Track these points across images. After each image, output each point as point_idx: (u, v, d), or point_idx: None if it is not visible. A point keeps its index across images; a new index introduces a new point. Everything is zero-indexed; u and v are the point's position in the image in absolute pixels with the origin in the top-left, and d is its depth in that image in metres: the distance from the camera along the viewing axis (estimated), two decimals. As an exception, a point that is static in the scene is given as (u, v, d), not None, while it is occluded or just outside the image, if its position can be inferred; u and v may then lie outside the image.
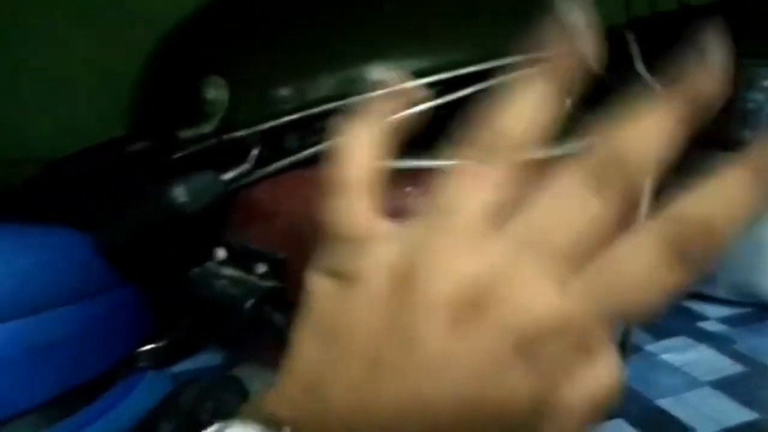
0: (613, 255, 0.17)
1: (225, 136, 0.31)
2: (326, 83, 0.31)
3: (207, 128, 0.31)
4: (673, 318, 0.49)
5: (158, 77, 0.36)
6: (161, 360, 0.38)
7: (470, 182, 0.18)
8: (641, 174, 0.17)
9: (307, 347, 0.19)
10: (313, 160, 0.31)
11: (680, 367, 0.43)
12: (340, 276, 0.19)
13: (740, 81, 0.47)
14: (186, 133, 0.32)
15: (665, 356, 0.44)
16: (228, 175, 0.31)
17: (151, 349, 0.38)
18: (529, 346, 0.16)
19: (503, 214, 0.18)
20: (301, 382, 0.19)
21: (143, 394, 0.37)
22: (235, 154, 0.31)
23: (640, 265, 0.16)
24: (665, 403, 0.39)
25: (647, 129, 0.17)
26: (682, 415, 0.38)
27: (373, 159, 0.20)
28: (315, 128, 0.31)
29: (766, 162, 0.16)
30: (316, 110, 0.30)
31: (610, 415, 0.37)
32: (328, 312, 0.19)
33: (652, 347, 0.45)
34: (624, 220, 0.17)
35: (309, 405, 0.18)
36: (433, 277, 0.17)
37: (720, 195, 0.16)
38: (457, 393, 0.17)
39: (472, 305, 0.17)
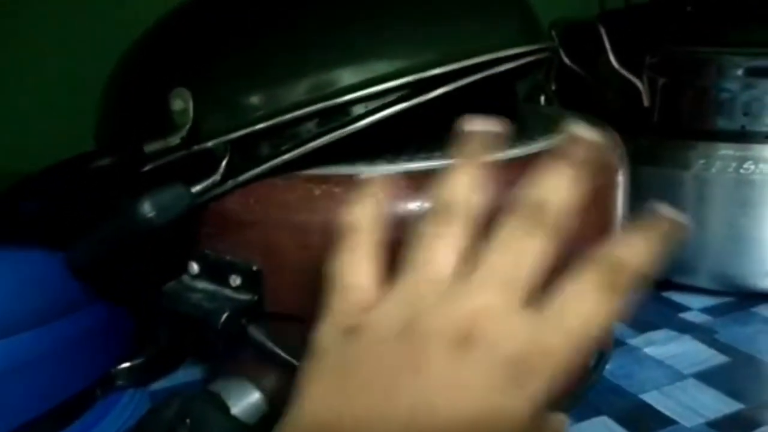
0: (564, 297, 0.20)
1: (193, 148, 0.30)
2: (295, 89, 0.30)
3: (174, 140, 0.30)
4: (655, 310, 0.49)
5: (123, 90, 0.35)
6: (139, 378, 0.38)
7: (439, 239, 0.22)
8: (560, 213, 0.21)
9: (318, 389, 0.21)
10: (286, 168, 0.31)
11: (663, 360, 0.43)
12: (348, 330, 0.22)
13: (713, 70, 0.47)
14: (153, 146, 0.31)
15: (648, 350, 0.44)
16: (197, 187, 0.30)
17: (129, 367, 0.37)
18: (517, 370, 0.20)
19: (468, 259, 0.21)
20: (316, 422, 0.21)
21: (122, 413, 0.36)
22: (204, 165, 0.31)
23: (586, 304, 0.20)
24: (649, 397, 0.39)
25: (558, 179, 0.21)
26: (666, 409, 0.38)
27: (380, 223, 0.23)
28: (286, 135, 0.31)
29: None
30: (285, 117, 0.30)
31: (594, 411, 0.37)
32: (338, 357, 0.22)
33: (634, 341, 0.45)
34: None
35: None
36: (431, 318, 0.21)
37: (642, 244, 0.20)
38: (464, 410, 0.20)
39: (465, 337, 0.20)
